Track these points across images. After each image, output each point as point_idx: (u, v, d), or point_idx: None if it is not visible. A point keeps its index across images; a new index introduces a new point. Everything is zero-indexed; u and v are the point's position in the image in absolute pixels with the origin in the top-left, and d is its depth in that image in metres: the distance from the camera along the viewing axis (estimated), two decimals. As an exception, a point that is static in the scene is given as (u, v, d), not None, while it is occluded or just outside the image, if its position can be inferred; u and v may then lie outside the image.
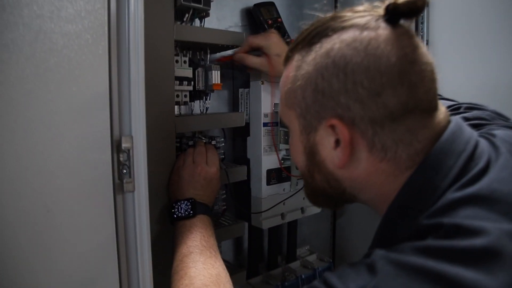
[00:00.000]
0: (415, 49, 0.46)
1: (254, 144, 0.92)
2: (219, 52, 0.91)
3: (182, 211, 0.69)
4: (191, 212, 0.70)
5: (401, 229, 0.45)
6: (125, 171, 0.56)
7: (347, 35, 0.46)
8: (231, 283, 0.61)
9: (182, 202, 0.70)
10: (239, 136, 0.97)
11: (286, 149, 0.94)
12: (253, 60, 0.83)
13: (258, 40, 0.83)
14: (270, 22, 0.97)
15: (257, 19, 0.97)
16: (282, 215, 0.96)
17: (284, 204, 0.96)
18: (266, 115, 0.91)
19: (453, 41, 1.06)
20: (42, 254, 0.49)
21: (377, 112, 0.45)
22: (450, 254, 0.38)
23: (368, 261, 0.41)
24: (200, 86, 0.83)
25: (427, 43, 1.08)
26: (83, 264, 0.53)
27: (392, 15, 0.46)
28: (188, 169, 0.74)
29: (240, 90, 0.95)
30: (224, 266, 0.64)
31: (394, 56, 0.44)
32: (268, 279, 1.01)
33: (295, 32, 1.03)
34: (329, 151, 0.49)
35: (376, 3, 0.49)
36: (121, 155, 0.55)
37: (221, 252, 0.70)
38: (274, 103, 0.91)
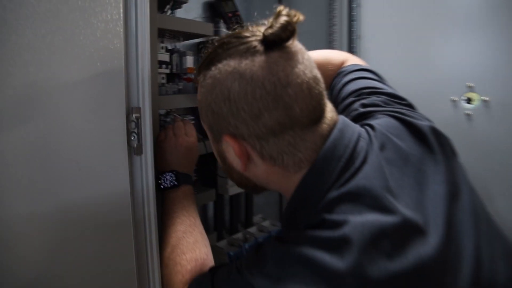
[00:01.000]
0: (290, 72, 0.52)
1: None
2: (190, 39, 1.02)
3: (167, 182, 0.78)
4: (176, 183, 0.79)
5: (300, 217, 0.57)
6: (133, 138, 0.66)
7: (229, 65, 0.54)
8: (208, 245, 0.73)
9: (167, 173, 0.79)
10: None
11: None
12: None
13: None
14: (230, 15, 1.10)
15: (219, 12, 1.10)
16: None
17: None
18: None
19: (380, 36, 1.27)
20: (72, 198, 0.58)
21: (259, 131, 0.53)
22: (316, 242, 0.49)
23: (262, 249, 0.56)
24: (175, 69, 0.93)
25: (358, 38, 1.29)
26: (103, 211, 0.63)
27: (266, 43, 0.53)
28: (170, 142, 0.84)
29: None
30: (202, 231, 0.76)
31: (268, 83, 0.51)
32: (233, 242, 1.15)
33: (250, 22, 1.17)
34: (233, 158, 0.59)
35: (264, 22, 0.56)
36: (130, 124, 0.66)
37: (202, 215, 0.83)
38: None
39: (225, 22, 1.09)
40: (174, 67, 0.93)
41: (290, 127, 0.53)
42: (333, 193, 0.53)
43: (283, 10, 0.53)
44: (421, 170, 0.56)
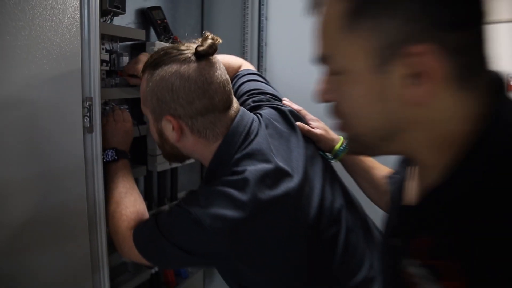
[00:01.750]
0: (213, 74, 0.82)
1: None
2: (125, 42, 1.22)
3: (109, 157, 1.01)
4: (116, 157, 1.02)
5: (218, 173, 0.85)
6: (85, 120, 0.87)
7: (172, 68, 0.81)
8: (144, 204, 0.98)
9: (109, 150, 1.02)
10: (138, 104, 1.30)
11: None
12: (134, 82, 1.15)
13: (131, 69, 1.10)
14: (159, 22, 1.32)
15: (149, 19, 1.31)
16: (170, 163, 1.34)
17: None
18: (159, 90, 1.27)
19: (282, 43, 1.58)
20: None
21: (191, 112, 0.82)
22: (229, 183, 0.78)
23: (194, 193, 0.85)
24: (113, 67, 1.14)
25: (265, 45, 1.59)
26: (63, 173, 0.84)
27: (197, 55, 0.82)
28: (111, 125, 1.06)
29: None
30: (139, 193, 1.00)
31: (199, 81, 0.81)
32: (161, 211, 1.39)
33: (175, 29, 1.40)
34: (170, 133, 0.86)
35: (194, 40, 0.86)
36: (84, 110, 0.87)
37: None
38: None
39: (154, 28, 1.31)
40: (112, 65, 1.14)
41: (212, 111, 0.84)
42: (238, 155, 0.84)
43: (210, 34, 0.85)
44: (289, 140, 0.91)
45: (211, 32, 0.86)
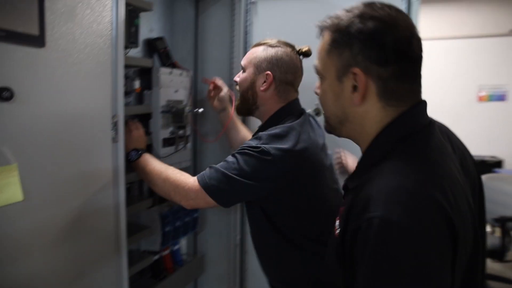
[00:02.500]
0: (301, 67, 1.30)
1: (154, 123, 1.54)
2: (136, 67, 1.49)
3: (134, 156, 1.29)
4: (139, 154, 1.30)
5: (272, 125, 1.23)
6: (113, 131, 1.15)
7: (283, 50, 1.27)
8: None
9: (131, 151, 1.30)
10: (145, 118, 1.57)
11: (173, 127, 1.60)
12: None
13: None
14: (162, 50, 1.60)
15: (154, 48, 1.59)
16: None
17: (171, 159, 1.61)
18: (162, 107, 1.54)
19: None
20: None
21: (282, 77, 1.27)
22: (285, 128, 1.18)
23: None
24: (128, 88, 1.41)
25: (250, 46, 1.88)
26: (95, 175, 1.10)
27: (299, 53, 1.29)
28: (128, 134, 1.33)
29: (145, 91, 1.55)
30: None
31: (295, 65, 1.27)
32: (162, 208, 1.65)
33: (174, 52, 1.68)
34: (260, 83, 1.27)
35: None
36: (112, 124, 1.14)
37: (139, 188, 1.34)
38: (166, 101, 1.55)
39: (158, 56, 1.59)
40: (128, 87, 1.41)
41: (291, 85, 1.30)
42: (291, 117, 1.27)
43: (307, 47, 1.30)
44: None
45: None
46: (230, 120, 1.59)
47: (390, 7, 0.71)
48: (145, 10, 1.42)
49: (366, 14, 0.69)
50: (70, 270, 1.05)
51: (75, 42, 1.01)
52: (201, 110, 1.62)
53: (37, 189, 0.94)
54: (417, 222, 0.58)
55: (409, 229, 0.58)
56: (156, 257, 1.62)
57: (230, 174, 1.13)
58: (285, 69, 1.27)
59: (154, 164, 1.27)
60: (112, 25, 1.12)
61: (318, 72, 0.80)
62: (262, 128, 1.29)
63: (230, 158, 1.17)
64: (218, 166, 1.17)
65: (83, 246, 1.09)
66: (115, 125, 1.14)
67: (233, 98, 1.55)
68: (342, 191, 0.83)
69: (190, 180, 1.19)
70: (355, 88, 0.71)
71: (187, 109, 1.58)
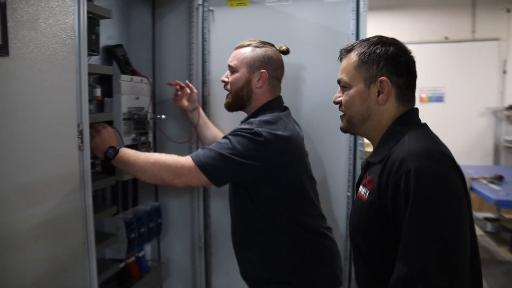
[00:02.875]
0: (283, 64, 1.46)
1: (117, 130, 1.54)
2: (95, 75, 1.49)
3: (112, 153, 1.29)
4: (117, 149, 1.30)
5: (261, 115, 1.37)
6: (79, 140, 1.14)
7: (271, 49, 1.42)
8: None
9: (108, 149, 1.30)
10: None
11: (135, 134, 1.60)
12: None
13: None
14: (121, 57, 1.61)
15: (113, 55, 1.59)
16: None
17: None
18: (124, 114, 1.54)
19: (223, 73, 1.92)
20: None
21: (274, 74, 1.43)
22: (275, 116, 1.33)
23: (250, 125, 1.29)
24: (90, 97, 1.40)
25: (208, 73, 1.92)
26: (61, 181, 1.10)
27: (281, 52, 1.46)
28: (97, 135, 1.33)
29: (105, 99, 1.54)
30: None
31: (282, 62, 1.44)
32: (126, 216, 1.64)
33: (132, 60, 1.69)
34: (256, 81, 1.39)
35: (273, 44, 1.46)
36: (77, 132, 1.14)
37: (102, 196, 1.34)
38: (127, 108, 1.55)
39: (117, 63, 1.59)
40: (89, 95, 1.40)
41: (279, 79, 1.45)
42: (278, 109, 1.42)
43: (284, 45, 1.48)
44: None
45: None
46: (199, 118, 1.70)
47: (395, 39, 1.01)
48: (104, 17, 1.42)
49: (386, 42, 0.99)
50: (35, 277, 1.04)
51: (39, 50, 1.00)
52: (163, 116, 1.64)
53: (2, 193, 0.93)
54: (442, 167, 0.83)
55: (438, 172, 0.82)
56: (122, 264, 1.62)
57: (224, 153, 1.21)
58: (275, 66, 1.41)
59: (138, 153, 1.30)
60: (75, 33, 1.12)
61: (344, 83, 1.02)
62: (251, 116, 1.39)
63: (222, 140, 1.26)
64: (211, 146, 1.25)
65: (50, 252, 1.08)
66: (80, 133, 1.14)
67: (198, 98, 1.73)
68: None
69: (182, 159, 1.25)
70: (379, 93, 0.98)
71: (150, 115, 1.59)
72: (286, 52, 1.47)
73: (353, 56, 1.01)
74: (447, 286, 0.77)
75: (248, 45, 1.42)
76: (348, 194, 1.74)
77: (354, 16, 1.70)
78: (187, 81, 1.74)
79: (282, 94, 1.51)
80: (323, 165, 1.78)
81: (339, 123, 1.76)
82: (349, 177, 1.74)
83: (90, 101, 1.43)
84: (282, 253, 1.31)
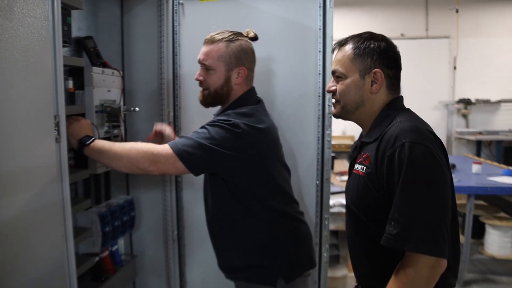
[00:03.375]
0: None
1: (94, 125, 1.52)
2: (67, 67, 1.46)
3: (87, 140, 1.28)
4: (92, 138, 1.30)
5: (240, 106, 1.37)
6: (55, 132, 1.13)
7: (243, 41, 1.39)
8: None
9: (83, 137, 1.29)
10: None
11: (108, 127, 1.59)
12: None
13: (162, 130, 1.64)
14: (92, 49, 1.58)
15: (84, 47, 1.56)
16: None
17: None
18: (96, 106, 1.53)
19: (192, 65, 1.94)
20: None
21: (251, 66, 1.42)
22: (253, 109, 1.36)
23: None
24: (60, 88, 1.38)
25: (179, 67, 1.93)
26: (38, 172, 1.09)
27: (251, 39, 1.43)
28: (75, 124, 1.32)
29: (77, 91, 1.52)
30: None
31: (253, 52, 1.42)
32: (99, 209, 1.63)
33: (105, 56, 1.67)
34: (235, 78, 1.37)
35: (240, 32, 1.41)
36: (54, 124, 1.12)
37: (75, 190, 1.33)
38: (99, 100, 1.54)
39: (88, 55, 1.57)
40: (59, 86, 1.38)
41: (253, 70, 1.43)
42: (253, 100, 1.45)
43: (251, 30, 1.44)
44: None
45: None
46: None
47: (384, 36, 1.13)
48: (76, 8, 1.40)
49: (377, 37, 1.11)
50: (11, 271, 1.03)
51: (14, 40, 0.98)
52: (137, 109, 1.64)
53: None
54: (431, 143, 0.98)
55: (428, 146, 0.96)
56: (97, 259, 1.60)
57: (203, 141, 1.24)
58: (250, 59, 1.40)
59: (113, 142, 1.31)
60: (49, 23, 1.10)
61: (340, 73, 1.11)
62: (228, 108, 1.39)
63: (200, 129, 1.28)
64: (189, 135, 1.27)
65: (28, 245, 1.07)
66: (57, 125, 1.13)
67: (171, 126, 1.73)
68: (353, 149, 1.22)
69: (159, 146, 1.26)
70: (372, 82, 1.09)
71: (123, 108, 1.59)
72: (254, 38, 1.45)
73: (348, 49, 1.11)
74: (432, 244, 0.92)
75: (220, 40, 1.36)
76: (317, 182, 1.82)
77: (321, 12, 1.77)
78: (155, 128, 1.68)
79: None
80: (293, 155, 1.85)
81: (307, 114, 1.88)
82: (318, 166, 1.82)
83: (62, 93, 1.41)
84: (259, 239, 1.36)
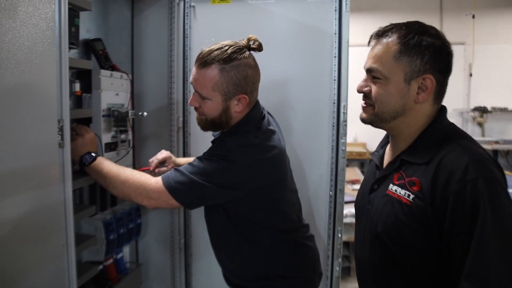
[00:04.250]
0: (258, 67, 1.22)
1: (95, 127, 1.47)
2: (74, 69, 1.42)
3: (88, 159, 1.24)
4: (94, 157, 1.25)
5: (243, 130, 1.21)
6: (59, 137, 1.08)
7: (242, 61, 1.16)
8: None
9: (85, 155, 1.25)
10: (86, 122, 1.49)
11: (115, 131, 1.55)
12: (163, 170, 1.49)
13: (161, 158, 1.50)
14: (100, 52, 1.54)
15: (93, 49, 1.52)
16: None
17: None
18: (104, 110, 1.48)
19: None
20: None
21: (253, 89, 1.22)
22: (256, 137, 1.19)
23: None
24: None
25: (189, 71, 1.88)
26: (41, 175, 1.04)
27: (251, 50, 1.20)
28: (79, 138, 1.27)
29: (84, 94, 1.48)
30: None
31: (258, 70, 1.20)
32: (104, 216, 1.58)
33: (111, 55, 1.63)
34: (234, 106, 1.18)
35: (237, 41, 1.21)
36: (57, 128, 1.08)
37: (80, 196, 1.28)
38: (107, 104, 1.50)
39: (96, 57, 1.52)
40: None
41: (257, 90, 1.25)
42: (259, 122, 1.25)
43: (254, 36, 1.21)
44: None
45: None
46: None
47: (437, 30, 0.90)
48: (84, 9, 1.36)
49: (431, 32, 0.88)
50: (10, 277, 0.98)
51: (18, 40, 0.94)
52: (145, 114, 1.59)
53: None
54: (500, 176, 0.80)
55: (501, 182, 0.79)
56: (100, 267, 1.55)
57: (196, 178, 1.13)
58: (252, 81, 1.18)
59: (111, 166, 1.24)
60: (55, 24, 1.06)
61: (380, 74, 0.90)
62: (229, 133, 1.23)
63: (196, 162, 1.16)
64: (183, 168, 1.17)
65: (27, 251, 1.02)
66: (61, 129, 1.09)
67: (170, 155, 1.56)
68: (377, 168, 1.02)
69: (152, 181, 1.18)
70: (419, 89, 0.89)
71: (131, 112, 1.54)
72: (258, 48, 1.21)
73: (392, 44, 0.89)
74: None
75: (213, 61, 1.14)
76: (331, 193, 1.75)
77: (336, 16, 1.71)
78: (151, 163, 1.51)
79: (264, 93, 1.36)
80: (304, 164, 1.78)
81: (320, 122, 1.80)
82: (331, 176, 1.75)
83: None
84: (260, 265, 1.27)
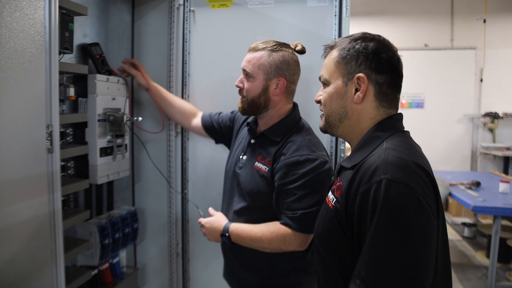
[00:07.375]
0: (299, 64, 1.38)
1: (90, 132, 1.48)
2: (69, 74, 1.42)
3: (226, 240, 1.38)
4: (227, 235, 1.37)
5: (286, 126, 1.39)
6: (47, 143, 1.08)
7: (288, 52, 1.36)
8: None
9: (222, 237, 1.39)
10: (80, 126, 1.49)
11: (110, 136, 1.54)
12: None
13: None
14: (97, 56, 1.55)
15: (89, 53, 1.53)
16: (108, 176, 1.56)
17: (108, 169, 1.55)
18: (99, 115, 1.48)
19: (202, 74, 1.89)
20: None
21: (292, 79, 1.37)
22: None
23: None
24: (62, 97, 1.34)
25: (188, 75, 1.88)
26: (30, 181, 1.03)
27: (297, 52, 1.38)
28: (207, 232, 1.47)
29: (80, 99, 1.48)
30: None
31: (298, 64, 1.38)
32: (99, 220, 1.58)
33: (109, 59, 1.63)
34: (273, 89, 1.34)
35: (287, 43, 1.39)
36: (46, 134, 1.08)
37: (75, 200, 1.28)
38: (103, 109, 1.50)
39: (93, 62, 1.53)
40: (61, 94, 1.34)
41: (295, 84, 1.39)
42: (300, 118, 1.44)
43: (299, 43, 1.39)
44: None
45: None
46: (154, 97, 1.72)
47: (380, 35, 0.95)
48: (79, 14, 1.36)
49: (367, 37, 0.93)
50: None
51: (3, 46, 0.94)
52: (140, 119, 1.58)
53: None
54: (414, 181, 0.77)
55: (411, 187, 0.75)
56: (95, 271, 1.55)
57: (313, 202, 1.24)
58: (292, 71, 1.36)
59: (245, 240, 1.34)
60: (45, 29, 1.06)
61: (324, 80, 0.97)
62: (278, 127, 1.38)
63: (298, 191, 1.26)
64: (296, 205, 1.26)
65: (15, 257, 1.02)
66: (50, 135, 1.08)
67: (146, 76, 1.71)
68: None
69: (281, 231, 1.28)
70: (356, 90, 0.92)
71: (126, 117, 1.54)
72: (301, 51, 1.39)
73: (334, 52, 0.96)
74: None
75: (263, 48, 1.35)
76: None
77: (336, 21, 1.68)
78: (124, 66, 1.72)
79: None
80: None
81: (317, 128, 1.77)
82: (330, 182, 1.72)
83: (62, 101, 1.37)
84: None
